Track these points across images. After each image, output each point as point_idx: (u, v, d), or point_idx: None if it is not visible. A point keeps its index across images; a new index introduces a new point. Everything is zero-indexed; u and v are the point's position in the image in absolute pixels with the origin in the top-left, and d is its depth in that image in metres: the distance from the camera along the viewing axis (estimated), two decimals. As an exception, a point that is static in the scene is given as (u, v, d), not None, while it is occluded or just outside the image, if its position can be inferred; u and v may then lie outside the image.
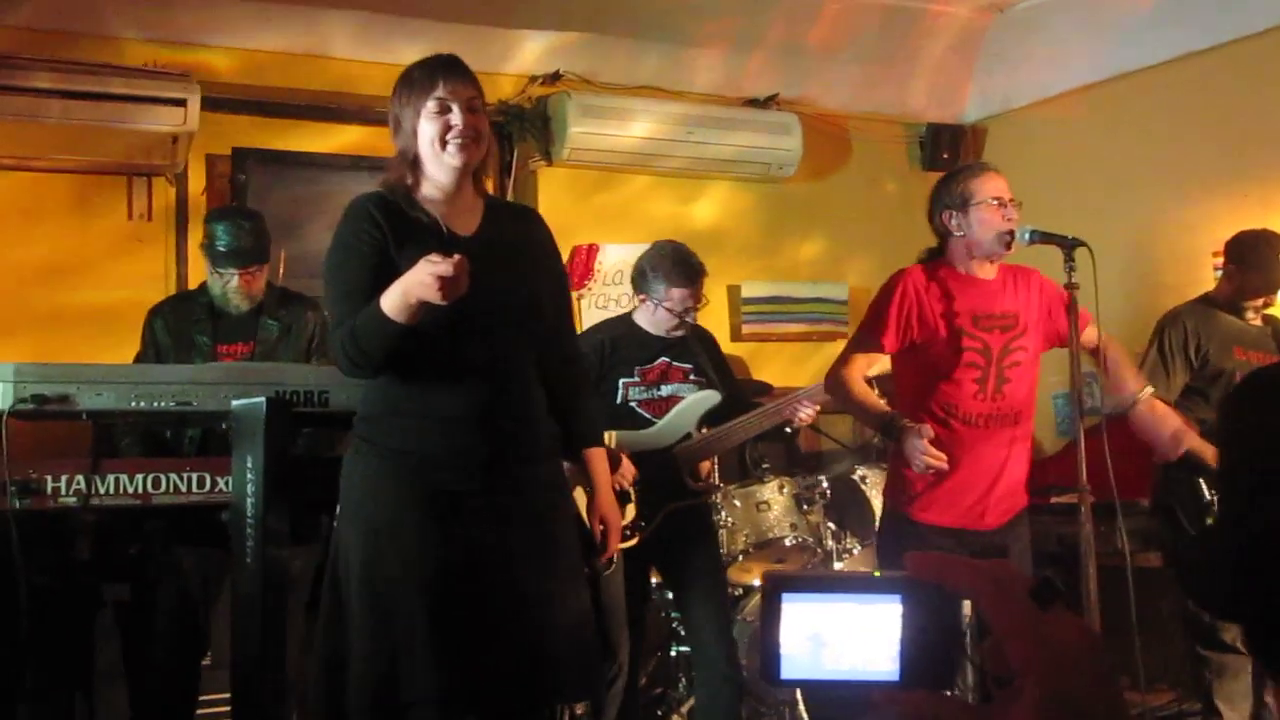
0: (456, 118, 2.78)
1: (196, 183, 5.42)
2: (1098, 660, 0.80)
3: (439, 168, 2.82)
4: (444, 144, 2.78)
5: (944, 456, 3.43)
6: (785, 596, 0.86)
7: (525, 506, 2.84)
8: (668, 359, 4.16)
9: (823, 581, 0.88)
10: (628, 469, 3.96)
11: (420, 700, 2.69)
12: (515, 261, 2.88)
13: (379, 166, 5.56)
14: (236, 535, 3.18)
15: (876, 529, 4.28)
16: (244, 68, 5.42)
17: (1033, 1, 6.34)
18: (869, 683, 0.85)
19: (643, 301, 4.20)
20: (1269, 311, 4.58)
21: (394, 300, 2.63)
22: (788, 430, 4.23)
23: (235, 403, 3.22)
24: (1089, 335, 3.73)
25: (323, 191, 5.61)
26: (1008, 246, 3.61)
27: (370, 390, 2.88)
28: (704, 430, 4.17)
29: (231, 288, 4.18)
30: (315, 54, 5.58)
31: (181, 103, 4.82)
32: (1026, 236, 3.55)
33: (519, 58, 5.93)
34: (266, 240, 4.26)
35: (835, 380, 3.74)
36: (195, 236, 5.35)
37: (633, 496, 4.03)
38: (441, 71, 2.81)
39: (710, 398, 4.15)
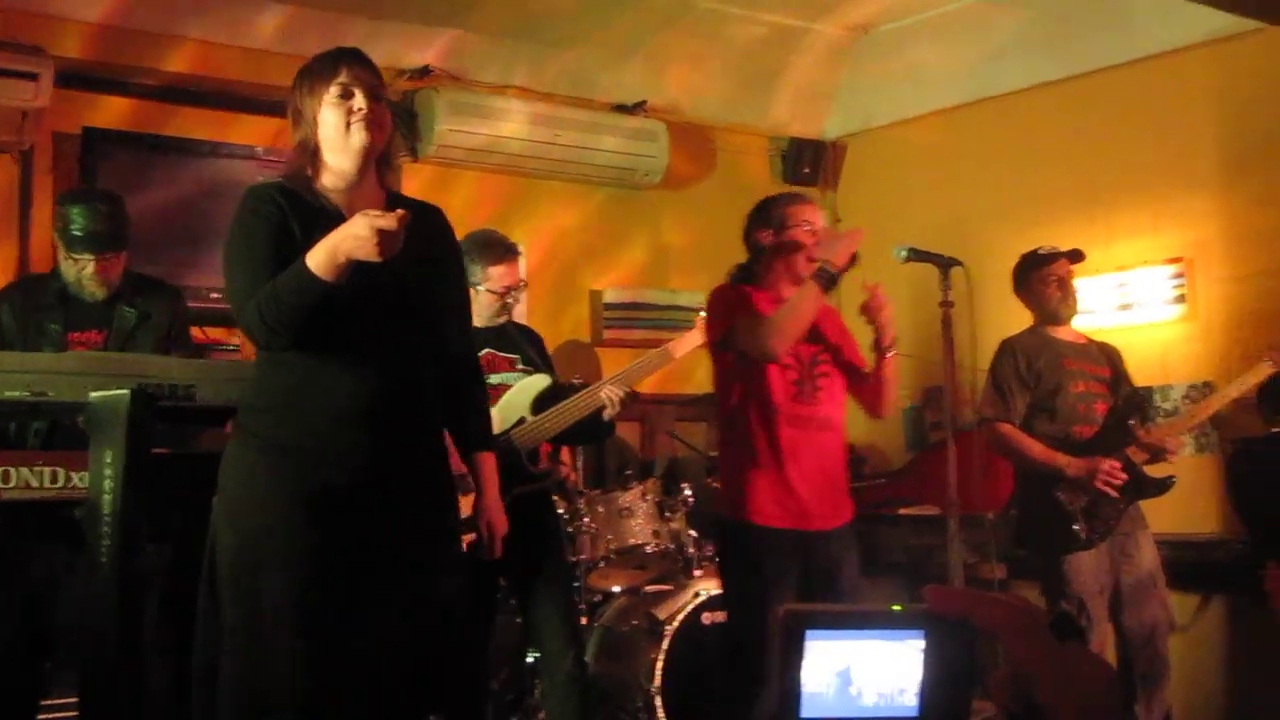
0: (360, 102, 2.71)
1: (43, 162, 5.17)
2: (1112, 692, 0.81)
3: (342, 155, 2.73)
4: (348, 128, 2.71)
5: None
6: (810, 634, 0.84)
7: (413, 512, 2.75)
8: (492, 350, 4.10)
9: (846, 618, 0.87)
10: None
11: (281, 709, 2.60)
12: (415, 256, 2.75)
13: (238, 154, 5.50)
14: (92, 533, 3.02)
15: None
16: (98, 44, 5.18)
17: (896, 24, 6.48)
18: (890, 719, 0.84)
19: None
20: (1100, 340, 4.72)
21: (321, 258, 2.54)
22: (605, 421, 4.15)
23: (94, 394, 3.06)
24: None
25: (178, 177, 5.41)
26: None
27: (257, 380, 2.79)
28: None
29: (86, 275, 3.97)
30: (173, 34, 5.37)
31: (33, 77, 4.60)
32: (903, 254, 3.62)
33: (386, 49, 5.77)
34: (125, 225, 4.04)
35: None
36: (40, 218, 5.11)
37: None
38: (345, 59, 2.76)
39: (540, 380, 4.11)
